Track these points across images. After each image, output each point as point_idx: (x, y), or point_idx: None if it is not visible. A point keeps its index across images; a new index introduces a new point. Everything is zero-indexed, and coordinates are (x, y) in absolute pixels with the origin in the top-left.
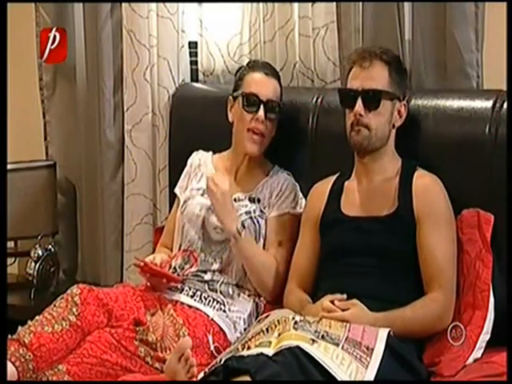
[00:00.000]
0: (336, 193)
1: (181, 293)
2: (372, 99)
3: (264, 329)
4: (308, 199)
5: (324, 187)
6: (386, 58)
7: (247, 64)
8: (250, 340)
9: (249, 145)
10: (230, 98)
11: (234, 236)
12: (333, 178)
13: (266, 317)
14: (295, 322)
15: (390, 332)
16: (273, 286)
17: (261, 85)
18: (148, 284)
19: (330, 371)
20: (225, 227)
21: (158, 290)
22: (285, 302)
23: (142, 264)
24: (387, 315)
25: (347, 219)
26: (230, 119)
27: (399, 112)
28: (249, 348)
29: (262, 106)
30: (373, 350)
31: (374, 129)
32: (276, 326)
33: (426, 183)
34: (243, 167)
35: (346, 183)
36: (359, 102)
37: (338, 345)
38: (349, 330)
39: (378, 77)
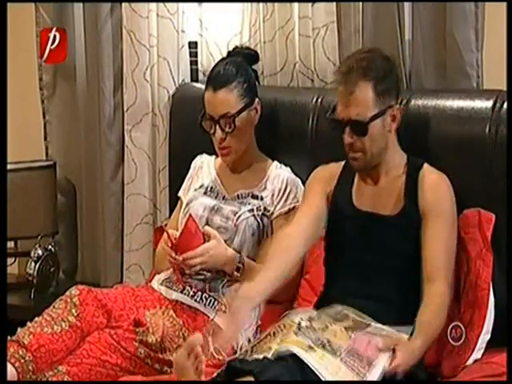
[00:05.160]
0: (347, 179)
1: (181, 293)
2: (359, 128)
3: (271, 332)
4: (317, 172)
5: (333, 169)
6: (370, 73)
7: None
8: (258, 343)
9: (222, 159)
10: None
11: (239, 272)
12: (341, 165)
13: (284, 316)
14: (299, 328)
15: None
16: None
17: (210, 104)
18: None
19: (322, 378)
20: (228, 272)
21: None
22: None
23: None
24: (425, 337)
25: (358, 214)
26: None
27: (393, 117)
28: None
29: (216, 127)
30: (374, 365)
31: (369, 151)
32: (282, 330)
33: (433, 180)
34: (241, 166)
35: (356, 179)
36: (347, 131)
37: (336, 355)
38: (353, 342)
39: (362, 101)
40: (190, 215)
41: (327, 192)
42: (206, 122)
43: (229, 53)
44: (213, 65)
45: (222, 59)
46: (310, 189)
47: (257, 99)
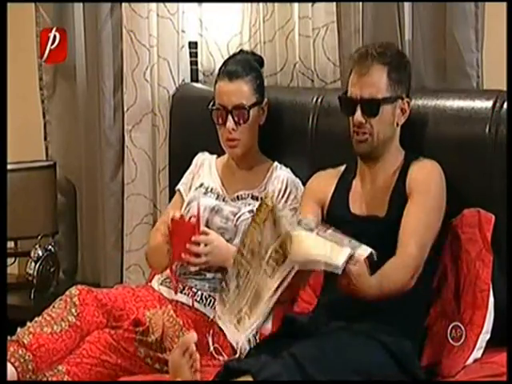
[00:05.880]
0: (344, 186)
1: (181, 293)
2: (371, 108)
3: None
4: (312, 181)
5: (332, 175)
6: (385, 59)
7: (220, 67)
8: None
9: (229, 151)
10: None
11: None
12: (340, 170)
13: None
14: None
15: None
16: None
17: (224, 94)
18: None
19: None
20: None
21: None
22: None
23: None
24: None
25: (354, 219)
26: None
27: (402, 110)
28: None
29: (229, 117)
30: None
31: (376, 134)
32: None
33: (423, 164)
34: (244, 164)
35: (354, 182)
36: (358, 110)
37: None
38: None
39: (376, 82)
40: (198, 205)
41: (321, 201)
42: (216, 113)
43: (234, 54)
44: (213, 65)
45: (234, 55)
46: (304, 204)
47: (266, 100)
